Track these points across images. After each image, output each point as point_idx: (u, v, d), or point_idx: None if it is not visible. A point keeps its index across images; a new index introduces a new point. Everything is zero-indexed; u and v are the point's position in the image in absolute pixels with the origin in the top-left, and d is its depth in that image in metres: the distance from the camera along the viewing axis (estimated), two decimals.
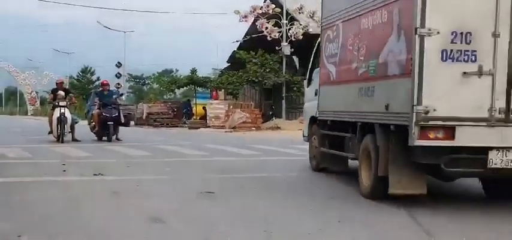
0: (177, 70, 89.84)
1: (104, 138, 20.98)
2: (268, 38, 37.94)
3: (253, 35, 39.50)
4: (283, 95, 38.05)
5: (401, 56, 8.59)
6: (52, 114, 20.21)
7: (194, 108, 46.46)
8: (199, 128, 37.94)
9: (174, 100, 57.49)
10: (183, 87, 53.14)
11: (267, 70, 38.03)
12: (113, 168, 12.61)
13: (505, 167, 8.26)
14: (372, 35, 9.70)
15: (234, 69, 42.12)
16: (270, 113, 39.18)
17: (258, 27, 38.35)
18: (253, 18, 39.46)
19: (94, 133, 21.70)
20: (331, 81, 11.64)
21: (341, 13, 11.05)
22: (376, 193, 9.16)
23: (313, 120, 13.16)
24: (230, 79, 39.93)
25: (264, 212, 8.07)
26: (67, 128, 19.94)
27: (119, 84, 65.79)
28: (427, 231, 7.03)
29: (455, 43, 8.12)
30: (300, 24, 37.86)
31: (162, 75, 75.08)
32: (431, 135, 8.20)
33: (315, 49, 13.54)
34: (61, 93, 20.25)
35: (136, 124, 46.49)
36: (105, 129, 20.94)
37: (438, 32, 8.05)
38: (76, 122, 21.02)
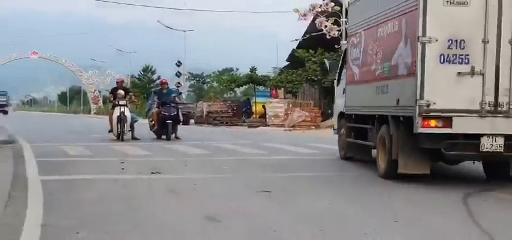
0: (237, 69, 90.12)
1: (163, 136, 21.15)
2: (328, 37, 37.66)
3: (313, 34, 39.31)
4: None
5: (408, 59, 10.55)
6: (112, 113, 20.51)
7: (254, 107, 46.53)
8: (258, 126, 37.98)
9: (233, 99, 57.70)
10: (242, 86, 53.31)
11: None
12: (171, 167, 12.71)
13: (494, 150, 10.11)
14: (386, 42, 11.75)
15: (294, 67, 42.03)
16: (329, 111, 38.93)
17: (317, 25, 38.14)
18: (312, 17, 39.26)
19: (153, 132, 21.91)
20: (355, 81, 13.71)
21: (363, 23, 13.15)
22: (389, 174, 11.14)
23: (341, 115, 15.15)
24: (289, 78, 39.87)
25: (319, 210, 8.01)
26: (127, 126, 20.19)
27: (179, 83, 66.42)
28: (486, 231, 6.84)
29: (451, 49, 10.01)
30: None
31: (222, 74, 75.46)
32: (432, 124, 10.08)
33: (343, 53, 16.12)
34: (121, 92, 20.53)
35: (196, 122, 46.86)
36: (164, 128, 21.11)
37: (437, 40, 9.95)
38: (135, 121, 21.27)
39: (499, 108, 10.06)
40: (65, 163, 13.16)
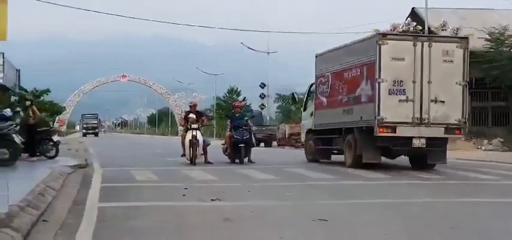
0: None
1: (237, 160, 21.09)
2: None
3: None
4: None
5: (369, 92, 18.11)
6: (185, 137, 20.61)
7: None
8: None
9: None
10: None
11: None
12: (233, 193, 12.57)
13: (420, 147, 17.93)
14: (351, 81, 19.30)
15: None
16: None
17: None
18: None
19: (226, 155, 21.89)
20: (323, 107, 21.42)
21: (331, 68, 20.85)
22: (354, 165, 18.69)
23: (309, 131, 22.99)
24: None
25: None
26: (199, 150, 20.23)
27: (262, 104, 66.58)
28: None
29: (395, 86, 17.66)
30: None
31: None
32: (385, 131, 17.68)
33: (308, 88, 23.97)
34: (192, 116, 20.62)
35: (278, 145, 46.76)
36: (237, 152, 21.05)
37: (386, 80, 17.54)
38: (208, 145, 21.29)
39: (422, 121, 17.84)
40: (129, 189, 13.21)
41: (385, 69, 17.44)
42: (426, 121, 17.71)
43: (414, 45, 17.81)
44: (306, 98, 24.09)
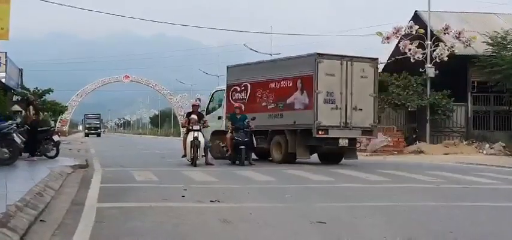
0: None
1: (237, 162, 21.08)
2: (412, 60, 36.94)
3: (397, 57, 38.65)
4: (427, 118, 36.87)
5: (305, 101, 21.95)
6: (186, 138, 20.61)
7: None
8: None
9: None
10: None
11: (410, 93, 37.04)
12: (232, 195, 12.55)
13: (344, 145, 22.28)
14: (280, 91, 22.97)
15: (379, 91, 41.31)
16: (414, 136, 38.04)
17: (400, 48, 37.46)
18: (396, 40, 38.60)
19: (227, 157, 21.88)
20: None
21: (249, 79, 24.47)
22: (285, 161, 22.32)
23: (215, 132, 25.34)
24: None
25: None
26: (200, 151, 20.24)
27: None
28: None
29: (328, 96, 21.78)
30: (445, 45, 36.59)
31: None
32: (321, 133, 21.71)
33: (210, 95, 28.21)
34: (194, 117, 20.63)
35: None
36: (238, 153, 21.05)
37: (322, 92, 21.62)
38: (209, 146, 21.30)
39: (347, 125, 22.12)
40: (128, 189, 13.20)
41: (321, 83, 21.79)
42: (349, 125, 22.26)
43: (341, 64, 22.16)
44: (209, 103, 27.59)
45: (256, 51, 68.25)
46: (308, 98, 21.83)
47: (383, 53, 43.49)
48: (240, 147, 20.96)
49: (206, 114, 25.46)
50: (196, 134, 20.24)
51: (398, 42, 38.28)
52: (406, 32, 37.67)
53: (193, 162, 20.06)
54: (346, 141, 22.22)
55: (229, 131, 21.91)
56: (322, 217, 9.36)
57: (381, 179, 16.29)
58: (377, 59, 23.65)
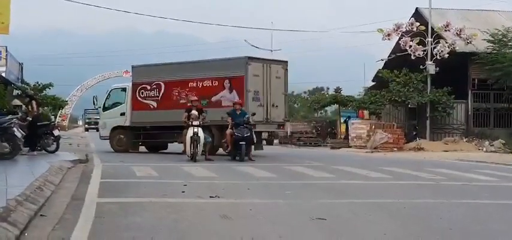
0: (327, 88, 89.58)
1: (237, 157, 21.07)
2: (412, 57, 36.94)
3: (398, 54, 38.65)
4: (428, 115, 36.87)
5: (234, 99, 23.83)
6: (185, 134, 20.59)
7: (339, 128, 46.03)
8: (340, 148, 37.52)
9: (319, 119, 57.22)
10: (327, 106, 52.82)
11: (411, 89, 37.05)
12: (233, 191, 12.55)
13: (266, 138, 27.87)
14: (202, 89, 25.32)
15: (379, 88, 41.42)
16: (414, 133, 38.06)
17: (401, 45, 37.46)
18: (397, 37, 38.60)
19: (227, 153, 21.88)
20: (151, 108, 26.92)
21: (163, 78, 26.86)
22: (212, 152, 22.97)
23: (116, 127, 28.00)
24: (373, 98, 39.25)
25: None
26: (200, 147, 20.22)
27: None
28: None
29: (255, 95, 24.91)
30: (446, 42, 36.59)
31: (313, 94, 75.04)
32: (253, 127, 22.80)
33: (107, 93, 29.63)
34: (194, 112, 20.62)
35: (280, 143, 46.69)
36: (238, 149, 21.04)
37: (251, 91, 24.71)
38: (209, 142, 21.29)
39: (268, 120, 25.10)
40: (128, 184, 13.21)
41: (250, 83, 24.67)
42: (269, 120, 25.32)
43: (263, 66, 25.39)
44: (105, 100, 29.27)
45: (257, 47, 68.33)
46: (238, 96, 24.25)
47: (384, 50, 43.54)
48: (240, 143, 20.95)
49: (103, 111, 29.09)
50: (196, 130, 20.22)
51: (399, 39, 38.31)
52: (407, 29, 37.69)
53: (193, 158, 20.04)
54: (266, 134, 26.57)
55: (229, 126, 21.89)
56: (322, 214, 9.34)
57: (381, 176, 16.28)
58: (287, 61, 26.60)
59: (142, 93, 27.23)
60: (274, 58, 27.20)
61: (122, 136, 27.77)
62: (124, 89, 28.87)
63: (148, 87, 27.01)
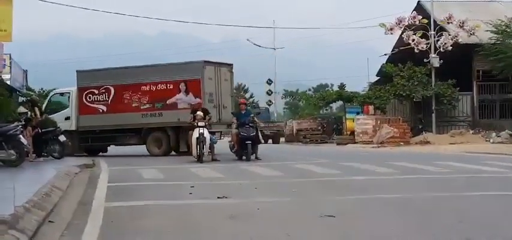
0: (332, 85, 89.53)
1: (243, 157, 21.04)
2: (416, 50, 36.88)
3: (401, 48, 38.61)
4: (433, 108, 36.80)
5: (191, 101, 25.16)
6: (191, 135, 20.58)
7: (344, 124, 45.92)
8: (347, 144, 37.49)
9: (324, 115, 57.16)
10: (332, 103, 52.75)
11: (415, 83, 36.99)
12: (240, 191, 12.53)
13: (219, 138, 26.20)
14: (156, 92, 26.51)
15: (384, 83, 41.39)
16: (420, 127, 38.00)
17: (404, 39, 37.40)
18: (400, 31, 38.54)
19: (233, 152, 21.86)
20: (100, 112, 27.36)
21: (112, 82, 27.25)
22: (167, 153, 26.37)
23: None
24: (377, 93, 39.20)
25: (382, 237, 7.58)
26: (206, 148, 20.20)
27: (270, 101, 66.39)
28: None
29: (210, 97, 26.21)
30: (449, 35, 36.52)
31: (317, 91, 74.98)
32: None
33: (48, 99, 30.04)
34: (200, 113, 20.61)
35: (286, 141, 46.66)
36: (244, 149, 21.01)
37: (207, 93, 25.95)
38: (215, 142, 21.27)
39: (220, 121, 26.06)
40: (136, 188, 13.21)
41: (206, 85, 25.98)
42: (221, 120, 26.25)
43: (215, 69, 26.71)
44: (47, 105, 28.58)
45: (260, 46, 68.36)
46: (195, 99, 25.28)
47: (387, 45, 43.45)
48: (246, 142, 20.91)
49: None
50: (201, 131, 20.20)
51: (402, 33, 38.26)
52: (410, 22, 37.63)
53: (200, 159, 20.03)
54: (219, 133, 27.48)
55: (235, 126, 21.88)
56: (330, 211, 9.30)
57: (388, 171, 16.23)
58: (232, 64, 28.07)
59: (89, 97, 27.67)
60: (222, 62, 28.26)
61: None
62: (64, 94, 29.37)
63: (96, 92, 27.54)
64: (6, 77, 35.24)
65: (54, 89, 54.19)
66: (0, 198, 10.00)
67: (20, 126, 18.68)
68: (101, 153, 28.48)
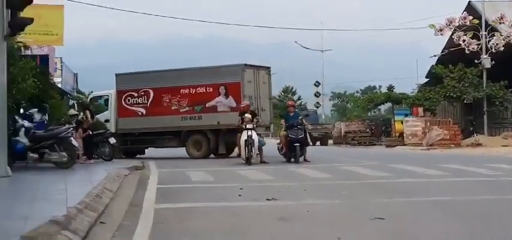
0: (380, 86, 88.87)
1: (292, 159, 21.00)
2: (466, 51, 36.34)
3: (451, 49, 38.10)
4: (485, 109, 36.22)
5: (232, 104, 25.90)
6: (240, 137, 20.63)
7: (393, 126, 45.52)
8: (396, 146, 37.15)
9: (372, 117, 56.74)
10: (380, 105, 52.38)
11: (466, 84, 36.46)
12: (289, 192, 12.50)
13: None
14: (195, 95, 26.67)
15: (433, 84, 40.89)
16: (471, 129, 37.42)
17: (454, 40, 36.89)
18: (450, 32, 38.04)
19: (282, 155, 21.84)
20: (139, 115, 27.75)
21: (151, 85, 27.59)
22: (207, 156, 26.57)
23: None
24: (427, 95, 38.75)
25: None
26: (254, 150, 20.23)
27: (317, 103, 66.22)
28: None
29: (250, 100, 24.75)
30: (501, 35, 35.90)
31: (365, 93, 74.51)
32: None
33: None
34: (248, 116, 20.65)
35: (334, 143, 46.46)
36: (292, 151, 20.97)
37: (246, 96, 25.49)
38: (263, 145, 21.29)
39: (258, 123, 22.26)
40: (185, 190, 13.27)
41: (246, 88, 25.97)
42: (260, 123, 23.79)
43: (254, 72, 26.81)
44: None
45: (307, 48, 68.25)
46: (235, 102, 25.60)
47: (436, 46, 42.93)
48: (295, 144, 20.87)
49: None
50: (250, 133, 20.23)
51: (452, 34, 37.74)
52: (460, 23, 37.10)
53: (248, 161, 20.06)
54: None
55: (283, 129, 21.86)
56: (380, 213, 9.20)
57: (438, 173, 16.02)
58: (270, 67, 28.55)
59: (128, 100, 28.07)
60: (260, 64, 28.61)
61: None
62: (102, 96, 29.82)
63: (136, 95, 27.93)
64: (57, 80, 35.84)
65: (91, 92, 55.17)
66: (53, 199, 10.17)
67: (71, 129, 18.97)
68: (138, 155, 28.83)
